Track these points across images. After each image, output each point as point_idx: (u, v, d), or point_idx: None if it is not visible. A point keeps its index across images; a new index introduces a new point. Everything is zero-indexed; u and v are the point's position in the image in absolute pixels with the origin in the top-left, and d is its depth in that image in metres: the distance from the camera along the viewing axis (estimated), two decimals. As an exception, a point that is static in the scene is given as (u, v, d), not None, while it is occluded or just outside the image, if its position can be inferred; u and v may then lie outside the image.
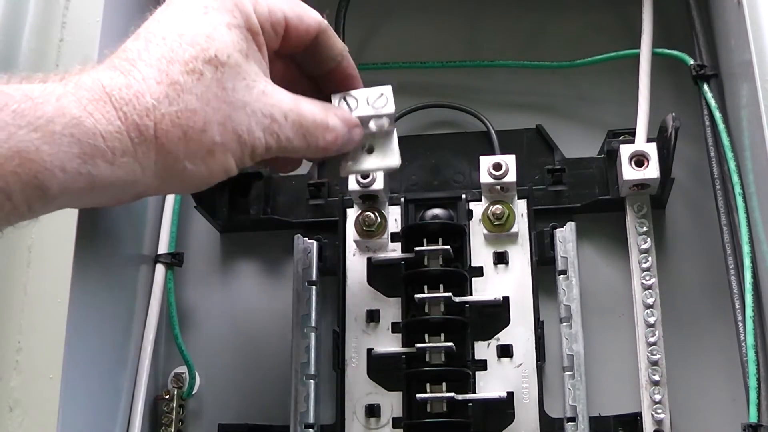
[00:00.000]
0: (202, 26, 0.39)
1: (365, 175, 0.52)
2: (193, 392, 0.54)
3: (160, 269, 0.54)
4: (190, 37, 0.38)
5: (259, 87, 0.40)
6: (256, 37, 0.40)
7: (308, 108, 0.42)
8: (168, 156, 0.37)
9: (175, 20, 0.39)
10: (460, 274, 0.51)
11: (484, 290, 0.52)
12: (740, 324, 0.46)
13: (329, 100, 0.45)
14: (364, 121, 0.45)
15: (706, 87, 0.52)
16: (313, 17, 0.43)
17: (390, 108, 0.45)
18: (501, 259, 0.52)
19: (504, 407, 0.49)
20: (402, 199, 0.53)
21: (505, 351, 0.50)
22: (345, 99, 0.45)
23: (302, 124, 0.41)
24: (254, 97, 0.39)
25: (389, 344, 0.51)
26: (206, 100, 0.38)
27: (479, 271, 0.52)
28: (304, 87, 0.44)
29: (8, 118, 0.33)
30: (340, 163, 0.46)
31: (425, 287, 0.51)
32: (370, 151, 0.46)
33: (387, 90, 0.45)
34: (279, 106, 0.40)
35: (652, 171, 0.50)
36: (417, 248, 0.51)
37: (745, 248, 0.46)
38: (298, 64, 0.46)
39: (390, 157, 0.46)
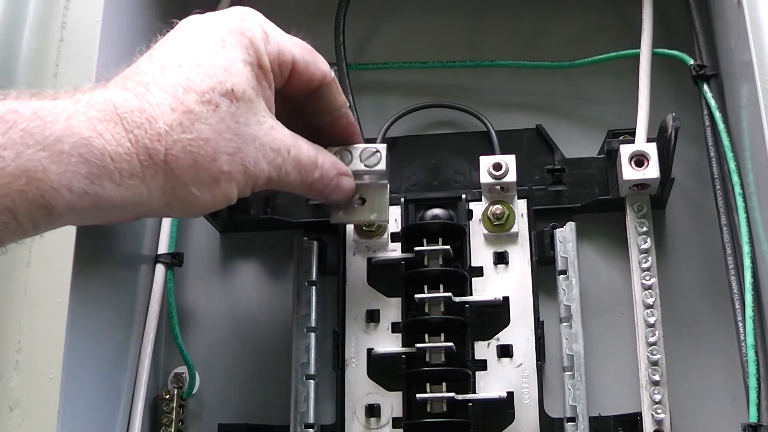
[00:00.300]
0: (219, 59, 0.40)
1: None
2: (193, 392, 0.54)
3: (160, 269, 0.54)
4: (208, 68, 0.39)
5: (268, 122, 0.41)
6: (266, 75, 0.42)
7: (304, 146, 0.44)
8: (176, 181, 0.38)
9: (192, 49, 0.40)
10: (460, 274, 0.51)
11: (484, 290, 0.52)
12: (740, 324, 0.46)
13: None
14: (356, 175, 0.48)
15: (706, 87, 0.52)
16: (320, 67, 0.45)
17: (382, 166, 0.48)
18: (501, 259, 0.52)
19: (504, 407, 0.49)
20: (402, 199, 0.53)
21: (505, 351, 0.50)
22: (340, 153, 0.48)
23: (300, 160, 0.43)
24: (264, 131, 0.41)
25: (389, 344, 0.51)
26: (219, 131, 0.39)
27: (479, 271, 0.52)
28: (300, 130, 0.45)
29: (17, 137, 0.33)
30: (332, 212, 0.49)
31: (425, 287, 0.51)
32: (362, 203, 0.49)
33: (382, 148, 0.48)
34: (284, 141, 0.42)
35: (652, 171, 0.50)
36: (417, 248, 0.51)
37: (745, 248, 0.46)
38: (299, 112, 0.47)
39: (380, 211, 0.49)
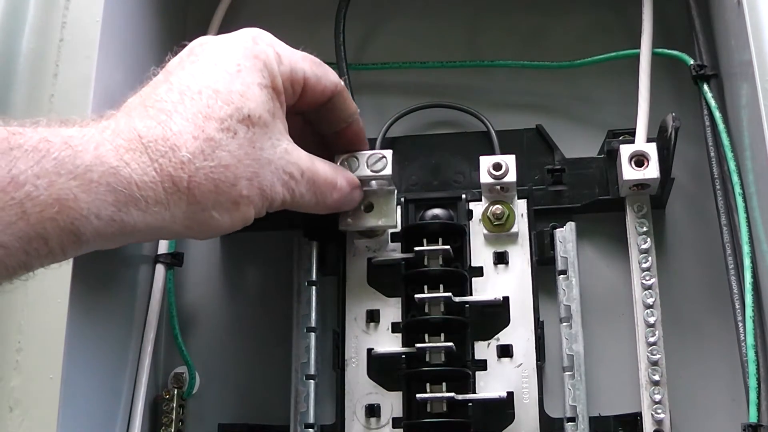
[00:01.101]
0: (235, 84, 0.41)
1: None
2: (193, 392, 0.54)
3: (160, 269, 0.54)
4: (225, 95, 0.40)
5: (282, 146, 0.42)
6: (279, 96, 0.43)
7: (321, 167, 0.45)
8: (197, 206, 0.39)
9: (209, 75, 0.41)
10: (460, 274, 0.51)
11: (484, 290, 0.52)
12: (740, 324, 0.46)
13: (332, 157, 0.49)
14: (363, 181, 0.49)
15: (706, 87, 0.52)
16: (330, 79, 0.46)
17: (388, 171, 0.49)
18: (501, 259, 0.52)
19: (504, 407, 0.49)
20: (402, 199, 0.53)
21: (505, 351, 0.50)
22: (347, 160, 0.49)
23: (315, 182, 0.44)
24: (278, 155, 0.42)
25: (389, 344, 0.51)
26: (238, 157, 0.40)
27: (479, 271, 0.52)
28: (310, 140, 0.47)
29: (50, 166, 0.34)
30: (340, 219, 0.50)
31: (425, 287, 0.51)
32: (370, 208, 0.50)
33: (387, 153, 0.49)
34: (298, 164, 0.43)
35: (652, 171, 0.50)
36: (417, 248, 0.51)
37: (745, 248, 0.46)
38: (311, 122, 0.48)
39: (388, 216, 0.50)
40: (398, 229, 0.52)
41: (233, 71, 0.41)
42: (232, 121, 0.40)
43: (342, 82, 0.47)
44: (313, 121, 0.48)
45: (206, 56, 0.42)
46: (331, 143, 0.49)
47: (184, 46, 0.43)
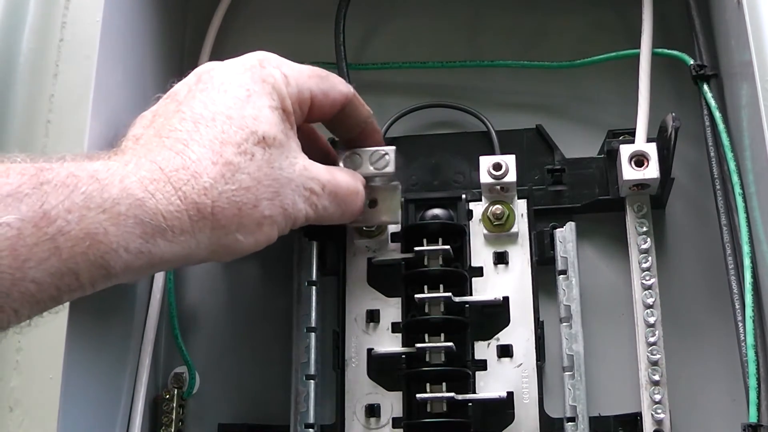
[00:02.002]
0: (247, 109, 0.41)
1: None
2: (193, 392, 0.54)
3: (160, 269, 0.54)
4: (239, 120, 0.41)
5: (300, 163, 0.43)
6: (289, 117, 0.43)
7: (342, 178, 0.46)
8: (222, 230, 0.39)
9: (221, 102, 0.41)
10: (460, 274, 0.51)
11: (484, 290, 0.52)
12: (740, 324, 0.46)
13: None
14: (367, 177, 0.49)
15: (706, 87, 0.52)
16: (338, 91, 0.46)
17: (390, 168, 0.49)
18: (501, 259, 0.52)
19: (504, 407, 0.49)
20: (402, 199, 0.53)
21: (505, 351, 0.50)
22: (350, 157, 0.49)
23: (337, 194, 0.45)
24: (297, 172, 0.42)
25: (389, 344, 0.51)
26: (258, 179, 0.40)
27: (479, 271, 0.52)
28: (318, 150, 0.47)
29: (79, 200, 0.35)
30: None
31: (425, 287, 0.51)
32: (374, 204, 0.50)
33: (390, 151, 0.49)
34: (318, 179, 0.44)
35: (652, 171, 0.50)
36: (417, 248, 0.51)
37: (745, 248, 0.46)
38: (327, 129, 0.49)
39: (392, 212, 0.50)
40: (398, 221, 0.52)
41: (243, 96, 0.42)
42: (249, 144, 0.40)
43: (352, 90, 0.47)
44: (328, 129, 0.49)
45: (215, 84, 0.42)
46: (350, 146, 0.50)
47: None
